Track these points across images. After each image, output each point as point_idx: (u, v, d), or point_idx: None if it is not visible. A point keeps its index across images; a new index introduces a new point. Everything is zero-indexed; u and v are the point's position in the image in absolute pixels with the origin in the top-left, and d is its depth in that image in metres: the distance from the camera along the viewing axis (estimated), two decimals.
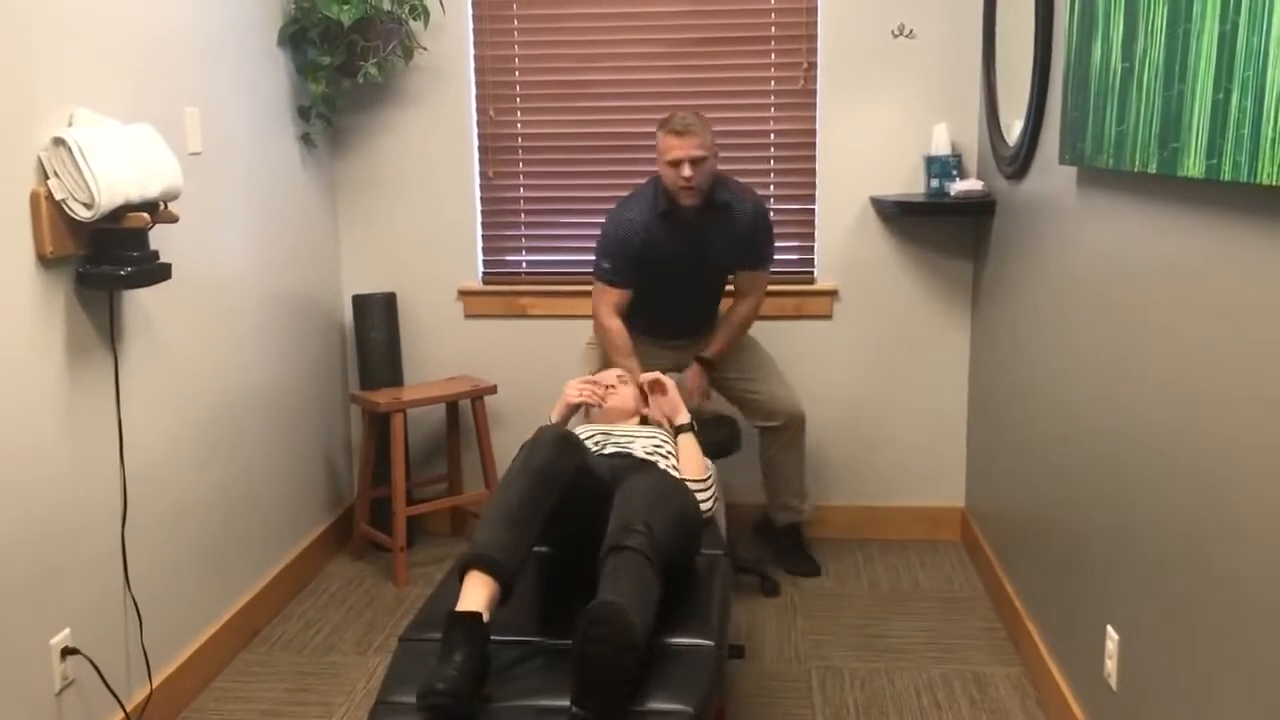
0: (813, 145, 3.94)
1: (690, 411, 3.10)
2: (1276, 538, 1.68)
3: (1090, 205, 2.57)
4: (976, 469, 3.92)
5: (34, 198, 2.34)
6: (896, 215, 3.90)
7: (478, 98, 4.02)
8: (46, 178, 2.37)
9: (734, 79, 3.94)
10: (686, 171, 3.22)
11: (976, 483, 3.92)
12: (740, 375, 3.60)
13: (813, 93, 3.91)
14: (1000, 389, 3.53)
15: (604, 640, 1.91)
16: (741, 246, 3.46)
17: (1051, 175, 2.89)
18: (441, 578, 3.03)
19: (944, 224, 3.92)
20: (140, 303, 2.78)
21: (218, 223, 3.20)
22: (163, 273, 2.61)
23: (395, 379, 4.04)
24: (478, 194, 4.08)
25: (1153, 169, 2.02)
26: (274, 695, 3.04)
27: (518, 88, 4.01)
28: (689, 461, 2.87)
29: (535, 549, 2.37)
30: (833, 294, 4.00)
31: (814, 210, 3.98)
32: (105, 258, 2.50)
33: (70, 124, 2.45)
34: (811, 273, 4.03)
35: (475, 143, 4.04)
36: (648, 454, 2.85)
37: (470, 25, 3.96)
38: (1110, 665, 2.40)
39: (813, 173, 3.96)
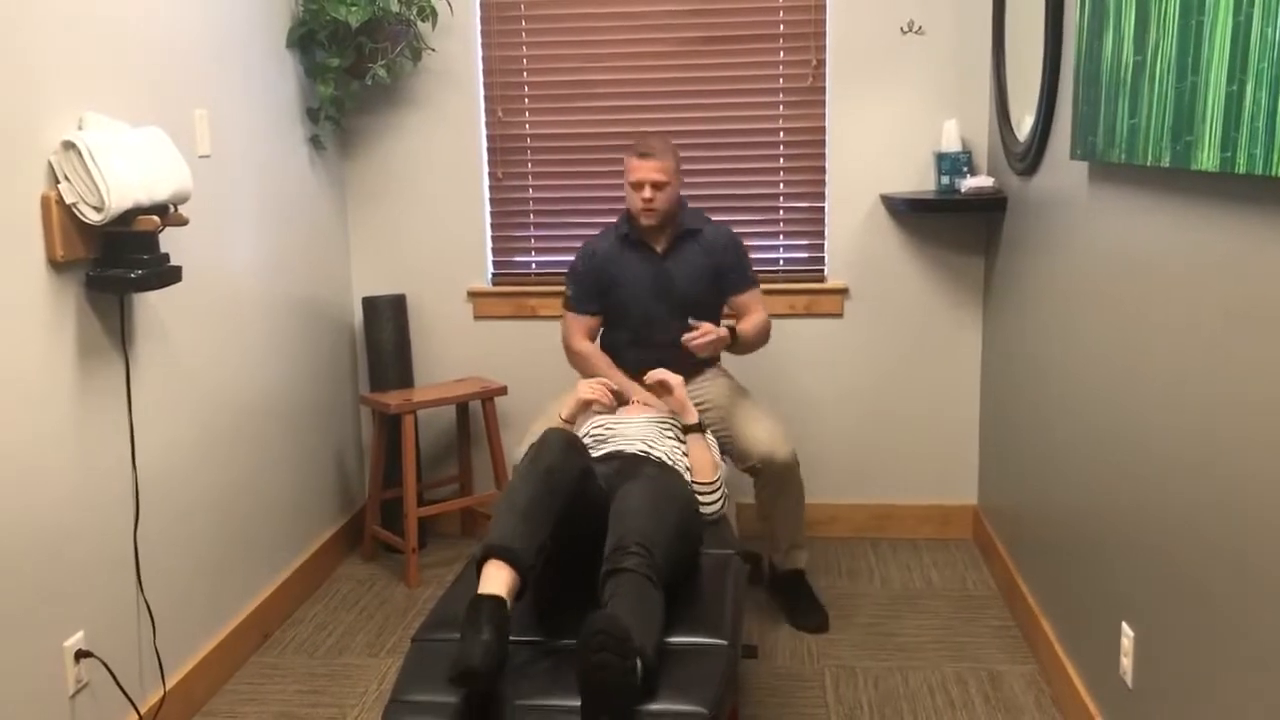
0: (822, 143, 3.93)
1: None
2: None
3: (1102, 201, 2.56)
4: (989, 466, 3.91)
5: (44, 201, 2.35)
6: (907, 212, 3.89)
7: (486, 98, 4.02)
8: (57, 181, 2.37)
9: (743, 77, 3.93)
10: (646, 193, 3.25)
11: (989, 480, 3.91)
12: (712, 409, 3.33)
13: (822, 90, 3.90)
14: (1012, 386, 3.51)
15: (605, 648, 1.90)
16: (721, 272, 3.39)
17: (1063, 171, 2.88)
18: (453, 578, 3.03)
19: (955, 221, 3.91)
20: (151, 306, 2.79)
21: (227, 225, 3.20)
22: (173, 275, 2.62)
23: (405, 380, 4.04)
24: (487, 195, 4.08)
25: (1166, 163, 2.00)
26: (287, 697, 3.05)
27: (526, 88, 4.01)
28: (698, 463, 2.86)
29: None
30: (843, 292, 3.99)
31: (824, 208, 3.97)
32: (116, 261, 2.50)
33: (80, 127, 2.46)
34: (822, 271, 4.02)
35: (484, 144, 4.04)
36: (649, 446, 2.84)
37: (478, 26, 3.96)
38: (1126, 663, 2.39)
39: (822, 170, 3.95)
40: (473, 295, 4.13)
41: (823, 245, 4.00)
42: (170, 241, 2.65)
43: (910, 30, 3.82)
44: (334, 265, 4.01)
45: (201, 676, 3.00)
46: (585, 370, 3.40)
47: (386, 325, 3.99)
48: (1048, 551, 3.08)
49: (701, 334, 3.17)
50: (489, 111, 4.02)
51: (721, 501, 2.89)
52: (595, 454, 2.80)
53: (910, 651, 3.23)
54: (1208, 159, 1.81)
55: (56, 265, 2.40)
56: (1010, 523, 3.58)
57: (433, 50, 3.91)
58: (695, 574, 2.52)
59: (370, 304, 4.00)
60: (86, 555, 2.52)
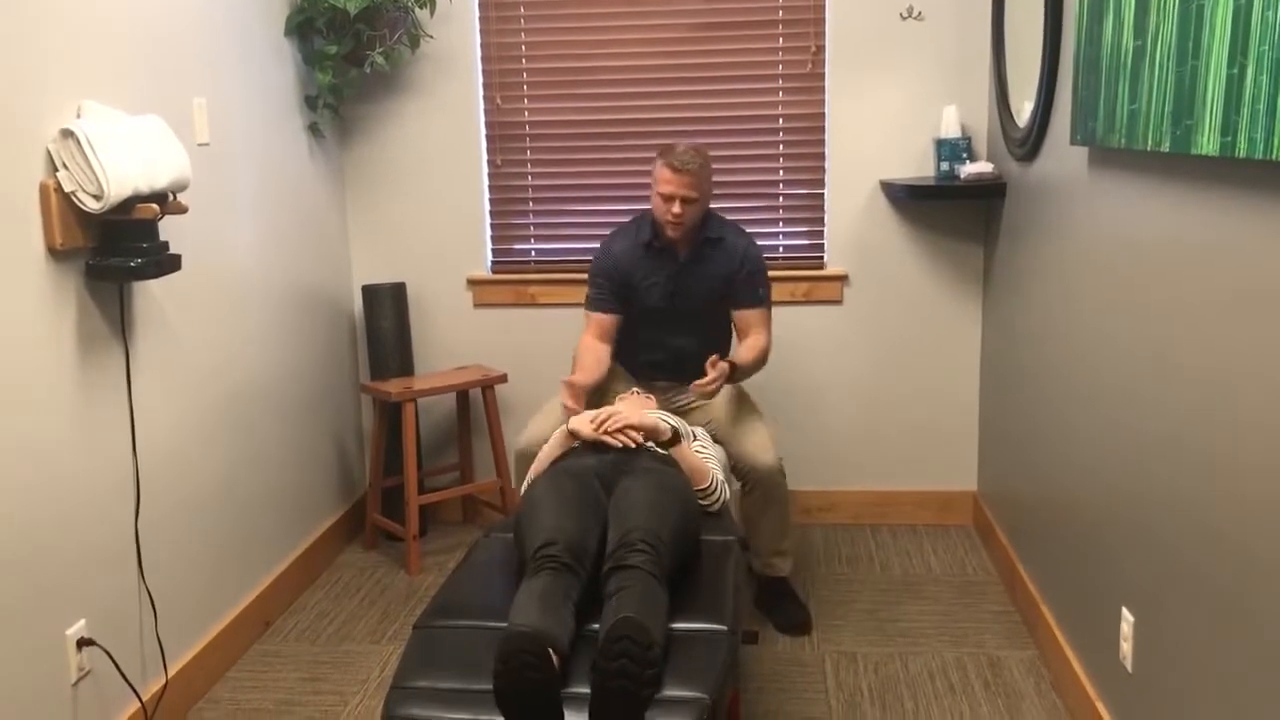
0: (822, 129, 3.93)
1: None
2: None
3: (1102, 186, 2.56)
4: (989, 453, 3.91)
5: (43, 190, 2.34)
6: (906, 199, 3.89)
7: (485, 86, 4.01)
8: (55, 170, 2.37)
9: (742, 63, 3.92)
10: (676, 209, 3.18)
11: (989, 466, 3.91)
12: (710, 420, 3.33)
13: (821, 76, 3.89)
14: (1012, 372, 3.52)
15: (627, 655, 1.90)
16: (732, 283, 3.32)
17: (1063, 156, 2.88)
18: (455, 565, 3.04)
19: (954, 207, 3.90)
20: (150, 294, 2.78)
21: (227, 214, 3.20)
22: (173, 264, 2.61)
23: (405, 369, 4.04)
24: (486, 183, 4.08)
25: (1166, 148, 2.00)
26: (289, 684, 3.05)
27: (525, 75, 4.00)
28: (689, 472, 2.82)
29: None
30: (843, 278, 3.99)
31: (823, 194, 3.97)
32: (115, 249, 2.50)
33: (78, 116, 2.45)
34: (821, 257, 4.01)
35: (483, 131, 4.04)
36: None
37: (476, 13, 3.95)
38: (1126, 647, 2.39)
39: (822, 157, 3.95)
40: (472, 283, 4.12)
41: (822, 232, 4.00)
42: (169, 230, 2.65)
43: (909, 16, 3.81)
44: (333, 253, 4.01)
45: (203, 664, 3.00)
46: (575, 365, 3.33)
47: (386, 313, 3.99)
48: (1047, 537, 3.09)
49: (710, 380, 3.06)
50: (488, 99, 4.02)
51: (719, 500, 2.89)
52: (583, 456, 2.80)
53: (910, 637, 3.24)
54: (1208, 143, 1.81)
55: (56, 254, 2.39)
56: (1010, 508, 3.58)
57: (431, 37, 3.90)
58: (696, 561, 2.53)
59: (370, 292, 4.00)
60: (88, 544, 2.52)
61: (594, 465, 2.68)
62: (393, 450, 3.95)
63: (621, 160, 4.00)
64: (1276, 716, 1.74)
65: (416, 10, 3.77)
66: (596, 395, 3.29)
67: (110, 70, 2.62)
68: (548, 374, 3.55)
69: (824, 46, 3.87)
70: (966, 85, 3.82)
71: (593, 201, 4.05)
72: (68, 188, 2.36)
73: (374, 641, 3.29)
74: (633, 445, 2.77)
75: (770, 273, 3.95)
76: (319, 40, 3.70)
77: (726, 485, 2.97)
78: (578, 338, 3.42)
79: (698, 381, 3.09)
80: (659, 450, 2.83)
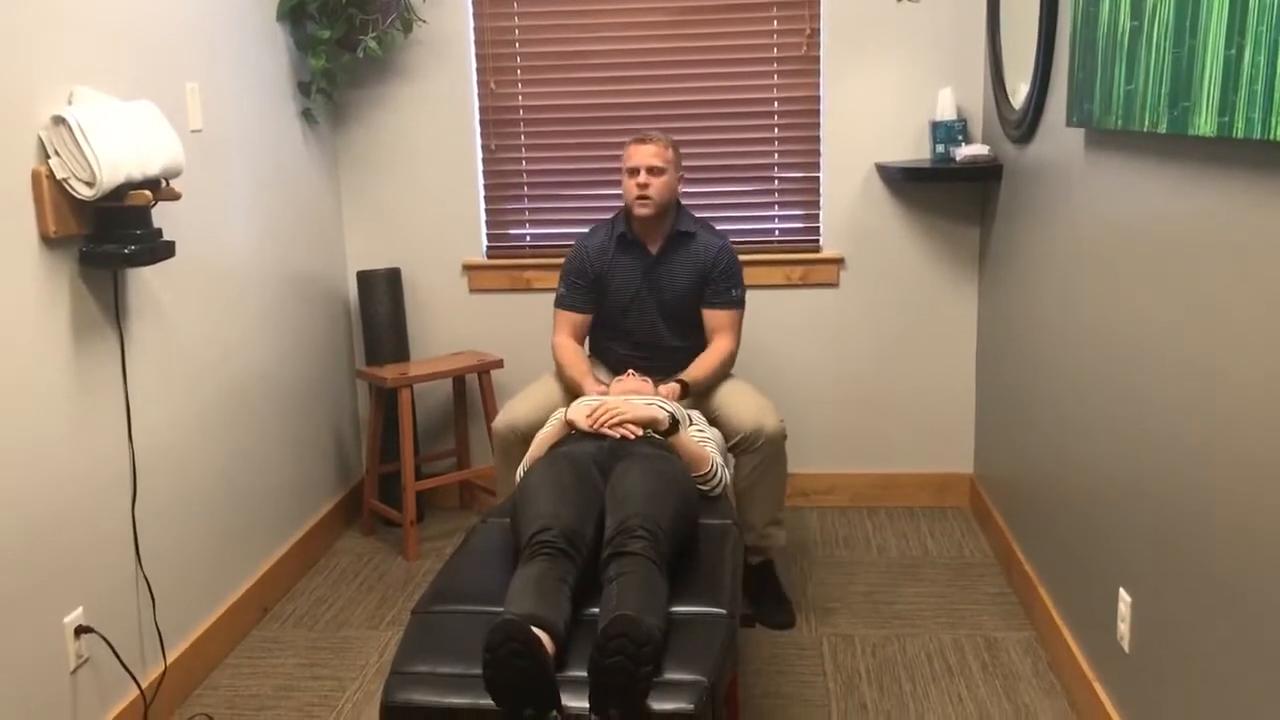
0: (817, 112, 3.92)
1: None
2: None
3: (1098, 167, 2.55)
4: (985, 435, 3.92)
5: (35, 177, 2.33)
6: (902, 181, 3.88)
7: (478, 70, 3.99)
8: (47, 157, 2.35)
9: (736, 46, 3.90)
10: (642, 178, 3.19)
11: (985, 449, 3.92)
12: (709, 399, 3.31)
13: (816, 59, 3.88)
14: (1008, 354, 3.52)
15: (622, 653, 1.91)
16: (704, 280, 3.31)
17: (1058, 138, 2.87)
18: (452, 551, 3.04)
19: (950, 190, 3.90)
20: (144, 281, 2.78)
21: (220, 200, 3.19)
22: (166, 250, 2.61)
23: (401, 354, 4.03)
24: (480, 168, 4.06)
25: (1163, 129, 2.00)
26: (287, 670, 3.06)
27: (518, 59, 3.98)
28: (689, 459, 2.82)
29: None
30: (839, 262, 3.99)
31: (819, 178, 3.96)
32: (109, 236, 2.49)
33: (70, 102, 2.44)
34: (817, 241, 4.01)
35: (476, 116, 4.02)
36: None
37: None
38: (1123, 628, 2.40)
39: (817, 140, 3.94)
40: (468, 268, 4.12)
41: (818, 215, 3.99)
42: (163, 217, 2.64)
43: None
44: (328, 239, 4.00)
45: (202, 651, 3.01)
46: (566, 373, 3.30)
47: (382, 299, 3.98)
48: (1044, 519, 3.10)
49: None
50: (481, 83, 4.00)
51: (721, 484, 2.89)
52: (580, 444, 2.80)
53: (908, 619, 3.24)
54: (1205, 124, 1.80)
55: (49, 241, 2.38)
56: (1007, 491, 3.59)
57: (424, 22, 3.88)
58: (694, 545, 2.53)
59: (365, 278, 3.99)
60: (85, 532, 2.52)
61: (592, 451, 2.68)
62: (389, 436, 3.95)
63: (616, 144, 3.96)
64: (1274, 696, 1.75)
65: None
66: None
67: (102, 56, 2.60)
68: (544, 359, 3.54)
69: (819, 29, 3.86)
70: (962, 67, 3.81)
71: (588, 186, 4.04)
72: (60, 175, 2.35)
73: (372, 627, 3.30)
74: (631, 438, 2.76)
75: (765, 256, 3.97)
76: (311, 25, 3.68)
77: (726, 470, 2.96)
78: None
79: (662, 388, 3.13)
80: (657, 436, 2.83)
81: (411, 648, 2.17)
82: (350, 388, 4.18)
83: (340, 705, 2.87)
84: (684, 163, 3.90)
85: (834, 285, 4.01)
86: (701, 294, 3.34)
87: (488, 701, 1.94)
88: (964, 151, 3.61)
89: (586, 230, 3.49)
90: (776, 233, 4.04)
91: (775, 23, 3.88)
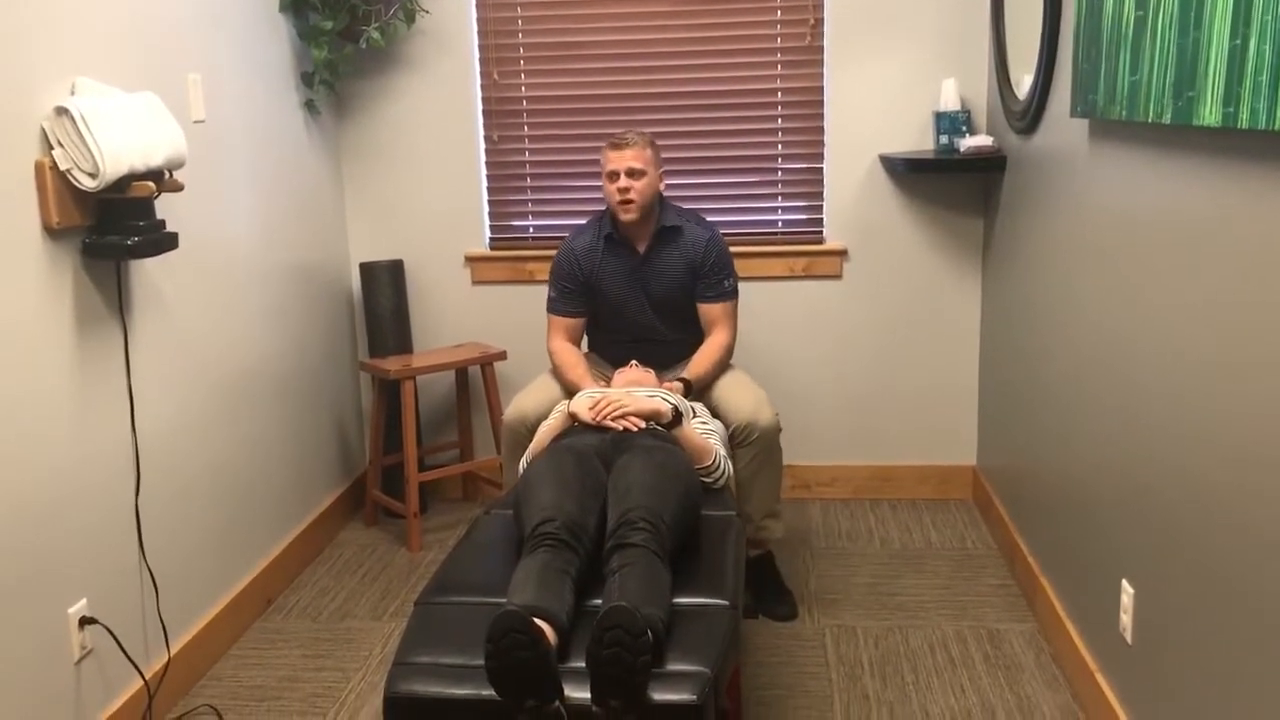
0: (820, 103, 3.91)
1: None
2: None
3: (1102, 158, 2.55)
4: (988, 427, 3.92)
5: (38, 168, 2.33)
6: (906, 173, 3.87)
7: (481, 60, 3.98)
8: (50, 148, 2.35)
9: (740, 37, 3.90)
10: (622, 182, 3.17)
11: (988, 441, 3.92)
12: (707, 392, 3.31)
13: (820, 50, 3.87)
14: (1011, 346, 3.51)
15: (619, 644, 1.91)
16: (697, 274, 3.29)
17: (1062, 129, 2.86)
18: (455, 542, 3.05)
19: (954, 181, 3.89)
20: (148, 272, 2.78)
21: (223, 191, 3.19)
22: (169, 242, 2.60)
23: (404, 346, 4.04)
24: (483, 159, 4.06)
25: (1167, 119, 1.99)
26: (291, 661, 3.06)
27: (521, 50, 3.98)
28: (692, 451, 2.82)
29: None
30: (842, 254, 3.98)
31: (822, 169, 3.95)
32: (112, 228, 2.49)
33: (73, 93, 2.44)
34: (820, 233, 4.00)
35: (479, 106, 4.02)
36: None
37: None
38: (1125, 619, 2.40)
39: (821, 131, 3.93)
40: (470, 260, 4.11)
41: (821, 206, 3.99)
42: (166, 208, 2.64)
43: None
44: (330, 231, 4.00)
45: (205, 642, 3.01)
46: (564, 375, 3.29)
47: (384, 291, 3.98)
48: (1047, 511, 3.10)
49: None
50: (484, 74, 3.99)
51: (724, 476, 2.89)
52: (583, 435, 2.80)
53: (910, 611, 3.25)
54: (1210, 114, 1.80)
55: (52, 232, 2.38)
56: (1009, 482, 3.59)
57: (427, 12, 3.87)
58: (696, 536, 2.53)
59: (368, 269, 3.99)
60: (88, 523, 2.52)
61: (594, 443, 2.68)
62: (392, 428, 3.95)
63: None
64: (1275, 688, 1.75)
65: None
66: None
67: (104, 47, 2.60)
68: (545, 351, 3.54)
69: (822, 19, 3.85)
70: (966, 58, 3.80)
71: (590, 177, 4.03)
72: (63, 166, 2.35)
73: (375, 618, 3.30)
74: (634, 430, 2.76)
75: (768, 248, 3.97)
76: (314, 16, 3.67)
77: (729, 461, 2.96)
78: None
79: (666, 384, 3.14)
80: (660, 429, 2.83)
81: (414, 638, 2.18)
82: (353, 379, 4.18)
83: (343, 696, 2.88)
84: (687, 154, 3.91)
85: (837, 277, 4.00)
86: (694, 287, 3.32)
87: (490, 692, 1.95)
88: (968, 143, 3.60)
89: (573, 230, 3.46)
90: (779, 224, 4.03)
91: (779, 13, 3.87)
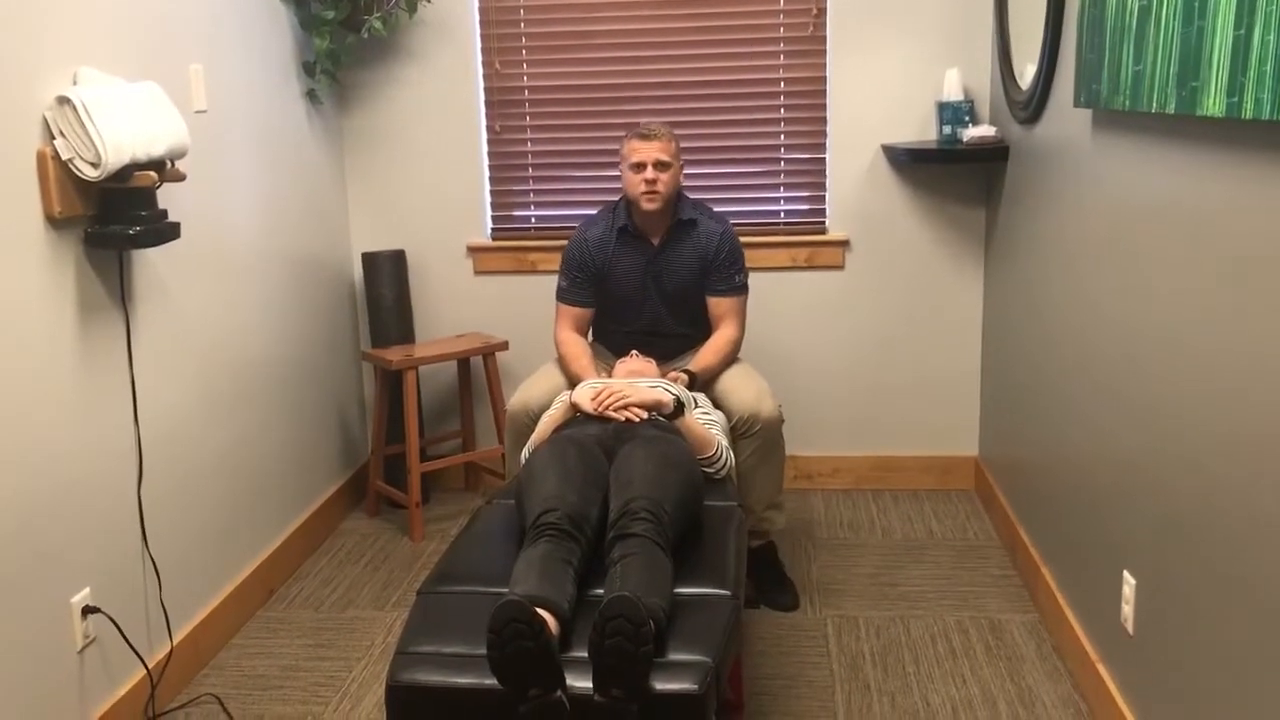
0: (823, 93, 3.90)
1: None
2: None
3: (1106, 149, 2.54)
4: (990, 418, 3.91)
5: (40, 157, 2.33)
6: (908, 163, 3.87)
7: (483, 50, 3.98)
8: (52, 137, 2.35)
9: (742, 26, 3.89)
10: (649, 174, 3.17)
11: (990, 431, 3.92)
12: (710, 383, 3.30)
13: (822, 39, 3.86)
14: (1014, 337, 3.51)
15: (620, 634, 1.91)
16: (708, 268, 3.29)
17: (1066, 119, 2.86)
18: (457, 532, 3.05)
19: (956, 171, 3.88)
20: (150, 262, 2.77)
21: (225, 181, 3.18)
22: (172, 232, 2.60)
23: (406, 336, 4.04)
24: (485, 149, 4.05)
25: (1171, 109, 1.99)
26: (293, 651, 3.07)
27: (523, 39, 3.97)
28: (694, 441, 2.81)
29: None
30: (844, 244, 3.98)
31: (825, 159, 3.95)
32: (114, 217, 2.49)
33: (75, 83, 2.43)
34: (823, 223, 4.00)
35: (481, 96, 4.01)
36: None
37: None
38: (1127, 610, 2.40)
39: (823, 121, 3.92)
40: (472, 250, 4.11)
41: (823, 197, 3.98)
42: (168, 198, 2.64)
43: None
44: (332, 221, 3.99)
45: (208, 631, 3.02)
46: (568, 367, 3.30)
47: (386, 281, 3.98)
48: (1049, 501, 3.10)
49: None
50: (486, 64, 3.99)
51: (727, 466, 2.89)
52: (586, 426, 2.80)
53: (912, 601, 3.25)
54: (1214, 104, 1.79)
55: (54, 222, 2.38)
56: (1011, 473, 3.59)
57: (428, 2, 3.86)
58: (698, 527, 2.53)
59: (370, 260, 3.98)
60: (91, 512, 2.53)
61: (596, 434, 2.68)
62: (394, 418, 3.95)
63: (622, 125, 3.95)
64: (1277, 678, 1.75)
65: None
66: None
67: (106, 37, 2.60)
68: (548, 341, 3.54)
69: (825, 9, 3.84)
70: (969, 48, 3.79)
71: (593, 167, 4.03)
72: (65, 155, 2.35)
73: (377, 608, 3.31)
74: (636, 421, 2.76)
75: (771, 238, 3.97)
76: (315, 5, 3.66)
77: (731, 451, 2.96)
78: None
79: (670, 374, 3.14)
80: (662, 419, 2.83)
81: (417, 628, 2.18)
82: (355, 369, 4.18)
83: (346, 685, 2.89)
84: (689, 144, 3.90)
85: (839, 268, 4.00)
86: (705, 281, 3.32)
87: (492, 681, 1.95)
88: (971, 133, 3.60)
89: (586, 219, 3.46)
90: (782, 214, 4.03)
91: (781, 2, 3.86)
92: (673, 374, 3.16)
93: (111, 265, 2.60)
